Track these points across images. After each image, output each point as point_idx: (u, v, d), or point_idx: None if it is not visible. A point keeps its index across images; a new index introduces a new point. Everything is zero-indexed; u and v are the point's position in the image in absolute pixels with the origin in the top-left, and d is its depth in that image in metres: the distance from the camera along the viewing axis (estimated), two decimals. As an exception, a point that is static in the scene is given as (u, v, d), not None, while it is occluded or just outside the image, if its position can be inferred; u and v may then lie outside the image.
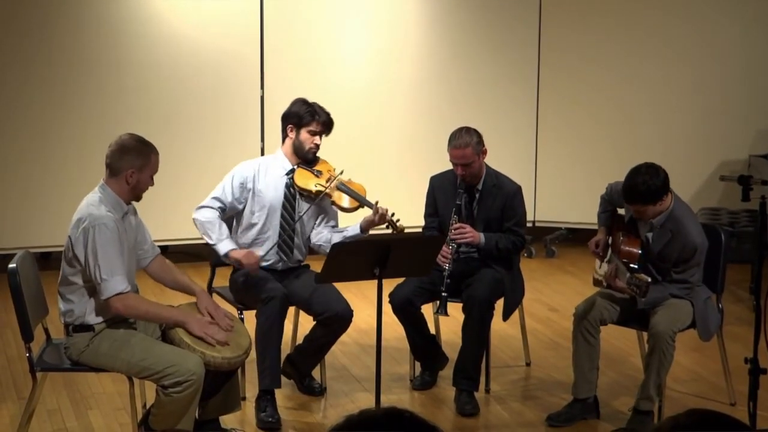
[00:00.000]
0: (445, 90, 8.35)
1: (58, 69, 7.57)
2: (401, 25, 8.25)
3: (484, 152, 5.51)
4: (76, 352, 4.60)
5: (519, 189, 5.61)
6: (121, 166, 4.57)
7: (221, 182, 5.40)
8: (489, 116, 8.17)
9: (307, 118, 5.36)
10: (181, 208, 7.19)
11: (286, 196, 5.40)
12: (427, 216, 5.73)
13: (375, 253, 4.60)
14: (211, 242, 5.35)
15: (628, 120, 8.41)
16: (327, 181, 5.37)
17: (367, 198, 5.42)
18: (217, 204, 5.36)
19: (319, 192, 5.36)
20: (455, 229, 5.44)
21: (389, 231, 5.37)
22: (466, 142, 5.41)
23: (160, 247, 8.24)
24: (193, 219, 5.38)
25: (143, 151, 4.61)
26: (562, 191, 8.57)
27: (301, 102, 5.44)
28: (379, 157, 8.23)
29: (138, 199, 4.69)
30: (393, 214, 5.33)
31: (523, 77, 8.50)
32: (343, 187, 5.40)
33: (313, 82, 8.00)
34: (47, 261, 7.71)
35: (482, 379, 5.54)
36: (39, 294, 4.84)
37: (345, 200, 5.40)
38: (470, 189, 5.56)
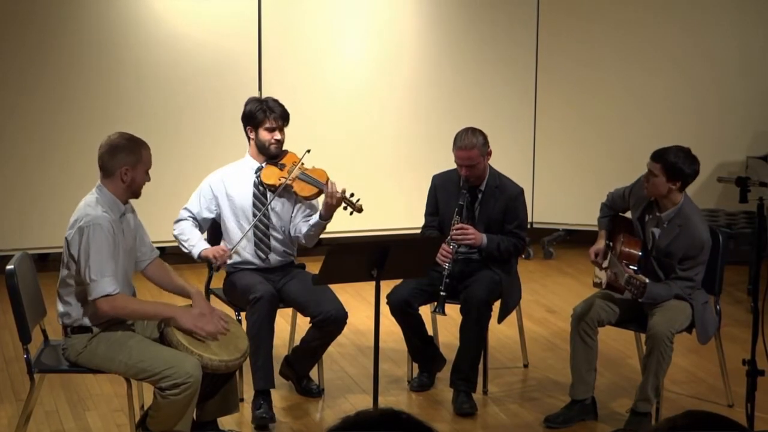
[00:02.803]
0: (443, 92, 8.35)
1: (57, 70, 7.56)
2: (399, 27, 8.25)
3: (489, 153, 5.51)
4: (74, 353, 4.60)
5: (521, 191, 5.61)
6: (113, 165, 4.58)
7: (192, 194, 5.51)
8: (487, 118, 8.15)
9: (260, 116, 5.40)
10: (179, 210, 7.19)
11: (255, 195, 5.44)
12: (427, 215, 5.72)
13: (373, 254, 4.60)
14: (186, 249, 5.46)
15: (625, 122, 8.41)
16: (288, 173, 5.40)
17: (329, 182, 5.39)
18: (187, 214, 5.48)
19: (280, 184, 5.38)
20: (457, 230, 5.44)
21: (347, 211, 5.33)
22: (472, 144, 5.41)
23: (157, 248, 8.29)
24: (173, 235, 5.50)
25: (133, 148, 4.62)
26: (559, 193, 8.57)
27: (254, 101, 5.49)
28: (376, 157, 8.22)
29: (136, 196, 4.70)
30: (352, 195, 5.31)
31: (521, 80, 8.49)
32: (303, 176, 5.41)
33: (310, 83, 8.00)
34: (45, 262, 7.70)
35: (480, 380, 5.54)
36: (37, 295, 4.84)
37: (305, 189, 5.40)
38: (472, 190, 5.55)
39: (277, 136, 5.43)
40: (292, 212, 5.49)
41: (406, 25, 8.27)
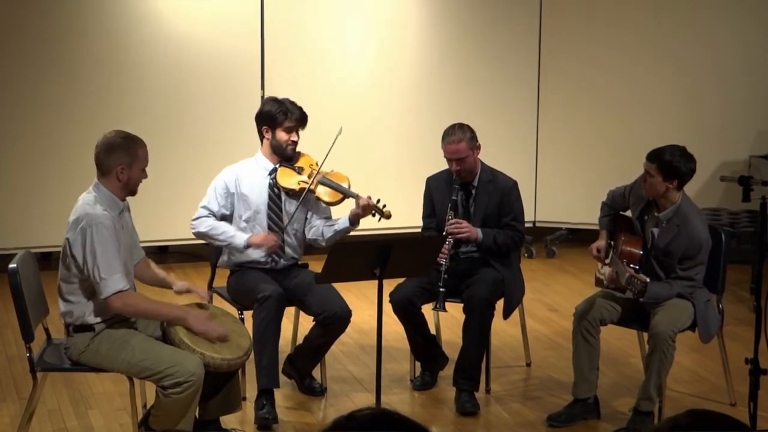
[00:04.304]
0: (446, 90, 8.35)
1: (59, 68, 7.57)
2: (401, 25, 8.25)
3: (478, 147, 5.52)
4: (76, 352, 4.60)
5: (515, 184, 5.61)
6: (109, 164, 4.57)
7: (207, 191, 5.44)
8: (489, 117, 8.17)
9: (280, 117, 5.37)
10: (182, 208, 7.20)
11: (270, 197, 5.41)
12: (425, 217, 5.73)
13: (375, 253, 4.61)
14: (224, 244, 5.37)
15: (628, 121, 8.41)
16: (309, 177, 5.38)
17: (352, 189, 5.41)
18: (206, 212, 5.41)
19: (302, 189, 5.37)
20: (451, 224, 5.44)
21: (376, 218, 5.36)
22: (459, 138, 5.43)
23: (159, 247, 8.31)
24: (195, 233, 5.42)
25: (130, 147, 4.61)
26: (562, 192, 8.57)
27: (272, 101, 5.45)
28: (378, 156, 8.22)
29: (133, 193, 4.69)
30: (378, 201, 5.33)
31: (524, 79, 8.49)
32: (326, 181, 5.40)
33: (313, 82, 8.00)
34: (48, 261, 7.70)
35: (482, 379, 5.53)
36: (39, 294, 4.84)
37: (329, 194, 5.39)
38: (466, 186, 5.56)
39: (294, 137, 5.41)
40: (306, 215, 5.49)
41: (408, 25, 8.27)
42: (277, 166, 5.44)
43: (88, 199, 4.56)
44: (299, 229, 5.49)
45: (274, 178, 5.42)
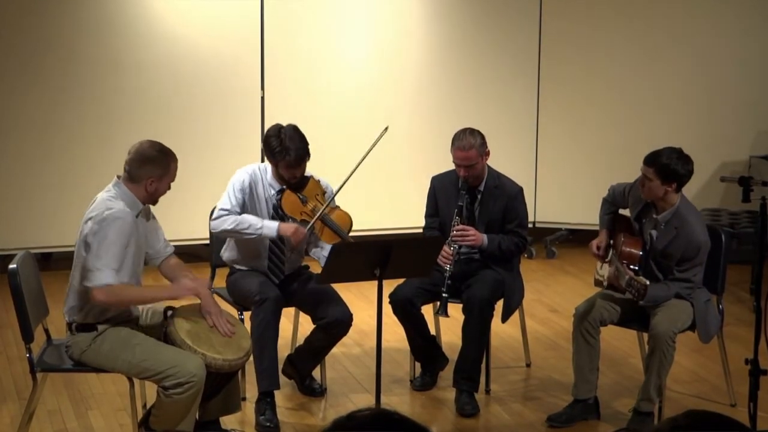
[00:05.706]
0: (446, 90, 8.34)
1: (59, 69, 7.56)
2: (402, 25, 8.24)
3: (487, 154, 5.52)
4: (77, 351, 4.60)
5: (520, 190, 5.61)
6: (140, 174, 4.59)
7: (225, 193, 5.33)
8: (490, 117, 8.16)
9: (278, 157, 5.20)
10: (181, 209, 7.20)
11: (273, 218, 5.33)
12: (427, 216, 5.73)
13: (376, 253, 4.61)
14: (255, 234, 5.25)
15: (628, 122, 8.40)
16: (312, 211, 5.28)
17: (350, 234, 5.33)
18: (225, 212, 5.28)
19: (304, 221, 5.28)
20: (457, 231, 5.44)
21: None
22: (470, 144, 5.42)
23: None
24: (219, 232, 5.32)
25: (163, 161, 4.64)
26: (562, 192, 8.56)
27: (274, 135, 5.24)
28: (380, 157, 8.19)
29: (154, 203, 4.73)
30: None
31: (524, 79, 8.48)
32: (328, 221, 5.28)
33: (313, 83, 7.99)
34: (48, 261, 7.69)
35: (482, 379, 5.54)
36: (39, 294, 4.84)
37: (327, 235, 5.29)
38: (471, 190, 5.56)
39: (296, 173, 5.26)
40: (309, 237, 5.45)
41: (408, 24, 8.25)
42: (284, 187, 5.35)
43: (108, 197, 4.59)
44: (302, 247, 5.44)
45: (279, 200, 5.35)
